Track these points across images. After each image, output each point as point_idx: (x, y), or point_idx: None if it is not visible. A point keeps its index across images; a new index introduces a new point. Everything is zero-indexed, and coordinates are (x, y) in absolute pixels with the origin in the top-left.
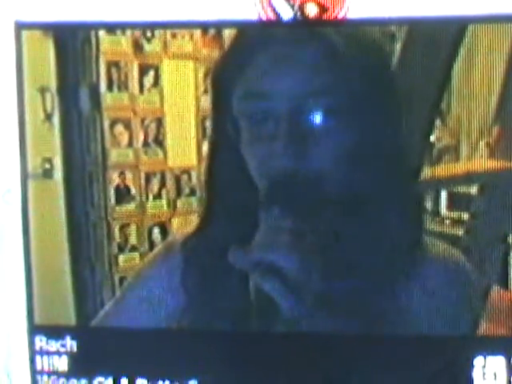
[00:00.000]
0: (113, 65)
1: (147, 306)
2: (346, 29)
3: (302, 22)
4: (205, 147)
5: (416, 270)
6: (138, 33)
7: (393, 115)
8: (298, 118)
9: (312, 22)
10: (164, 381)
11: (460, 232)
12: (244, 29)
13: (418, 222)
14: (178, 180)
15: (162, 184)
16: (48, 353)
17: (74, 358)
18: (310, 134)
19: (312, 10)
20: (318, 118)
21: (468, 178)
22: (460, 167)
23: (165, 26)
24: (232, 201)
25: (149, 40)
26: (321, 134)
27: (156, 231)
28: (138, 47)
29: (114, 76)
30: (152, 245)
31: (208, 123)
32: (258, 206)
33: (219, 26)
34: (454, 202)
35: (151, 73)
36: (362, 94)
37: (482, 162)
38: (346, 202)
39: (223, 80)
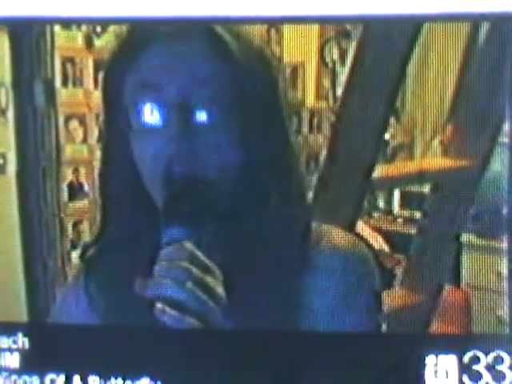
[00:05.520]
0: (68, 60)
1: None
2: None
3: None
4: None
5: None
6: (92, 28)
7: (276, 117)
8: (184, 110)
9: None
10: (116, 378)
11: (412, 231)
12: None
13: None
14: None
15: None
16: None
17: (25, 355)
18: (197, 127)
19: None
20: (204, 111)
21: (421, 176)
22: (413, 165)
23: (119, 21)
24: (127, 202)
25: (102, 36)
26: (207, 127)
27: None
28: (92, 43)
29: (69, 71)
30: None
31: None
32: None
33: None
34: (407, 200)
35: None
36: (245, 93)
37: (436, 161)
38: (236, 199)
39: (115, 72)
